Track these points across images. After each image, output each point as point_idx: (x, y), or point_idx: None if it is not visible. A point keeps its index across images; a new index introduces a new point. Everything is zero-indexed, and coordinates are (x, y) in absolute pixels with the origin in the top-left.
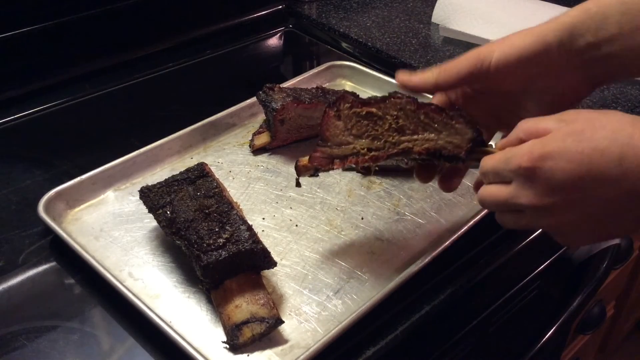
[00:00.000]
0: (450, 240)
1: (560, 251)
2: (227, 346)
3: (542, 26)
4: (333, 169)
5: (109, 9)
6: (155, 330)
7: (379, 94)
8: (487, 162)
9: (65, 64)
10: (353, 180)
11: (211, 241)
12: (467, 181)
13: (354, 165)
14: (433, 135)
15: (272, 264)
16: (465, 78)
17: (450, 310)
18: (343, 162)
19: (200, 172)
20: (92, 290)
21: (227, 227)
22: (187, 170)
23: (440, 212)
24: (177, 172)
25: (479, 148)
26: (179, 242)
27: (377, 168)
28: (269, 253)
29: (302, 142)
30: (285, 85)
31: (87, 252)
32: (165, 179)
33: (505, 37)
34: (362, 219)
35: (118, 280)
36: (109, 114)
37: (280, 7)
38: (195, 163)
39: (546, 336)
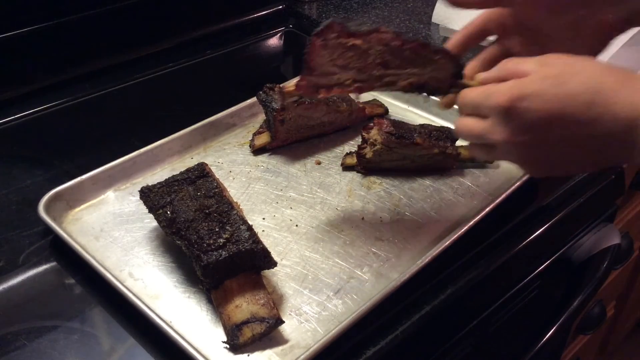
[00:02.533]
0: (450, 240)
1: (561, 251)
2: (227, 346)
3: None
4: (318, 97)
5: (109, 9)
6: (156, 331)
7: (379, 94)
8: (468, 94)
9: (65, 64)
10: (353, 180)
11: (211, 241)
12: (467, 181)
13: (338, 95)
14: (417, 70)
15: (272, 264)
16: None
17: (450, 310)
18: (328, 91)
19: (201, 172)
20: (92, 290)
21: (227, 227)
22: (188, 170)
23: (440, 212)
24: (178, 172)
25: (461, 81)
26: (179, 242)
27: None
28: (269, 253)
29: (302, 142)
30: (285, 85)
31: (87, 252)
32: (166, 179)
33: None
34: (362, 219)
35: (118, 280)
36: (109, 114)
37: (280, 7)
38: (196, 163)
39: (546, 336)
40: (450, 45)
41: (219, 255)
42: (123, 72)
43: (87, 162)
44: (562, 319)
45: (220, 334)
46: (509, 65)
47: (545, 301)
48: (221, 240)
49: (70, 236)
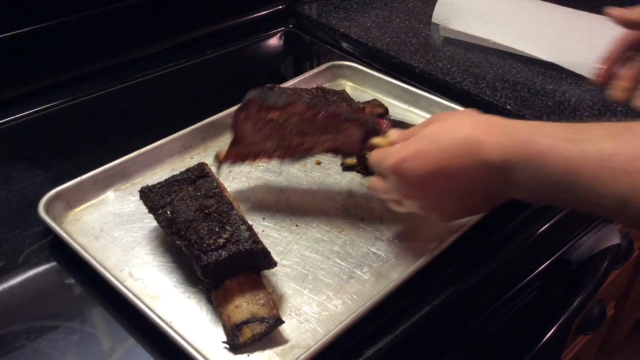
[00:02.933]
0: (450, 240)
1: (560, 251)
2: (227, 346)
3: None
4: (246, 163)
5: (109, 9)
6: (156, 331)
7: (379, 94)
8: (372, 156)
9: (65, 64)
10: (353, 180)
11: (211, 241)
12: None
13: (267, 159)
14: (331, 136)
15: (272, 264)
16: None
17: (451, 310)
18: (255, 158)
19: (201, 172)
20: (92, 290)
21: (227, 227)
22: (188, 170)
23: None
24: (178, 172)
25: (370, 142)
26: (179, 242)
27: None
28: (269, 253)
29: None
30: (285, 85)
31: (87, 252)
32: (166, 179)
33: None
34: (362, 219)
35: (118, 280)
36: (109, 113)
37: (281, 7)
38: (196, 163)
39: (546, 336)
40: (607, 53)
41: (218, 255)
42: (123, 72)
43: (87, 162)
44: (562, 319)
45: (220, 334)
46: (411, 128)
47: (545, 301)
48: (221, 240)
49: (70, 236)
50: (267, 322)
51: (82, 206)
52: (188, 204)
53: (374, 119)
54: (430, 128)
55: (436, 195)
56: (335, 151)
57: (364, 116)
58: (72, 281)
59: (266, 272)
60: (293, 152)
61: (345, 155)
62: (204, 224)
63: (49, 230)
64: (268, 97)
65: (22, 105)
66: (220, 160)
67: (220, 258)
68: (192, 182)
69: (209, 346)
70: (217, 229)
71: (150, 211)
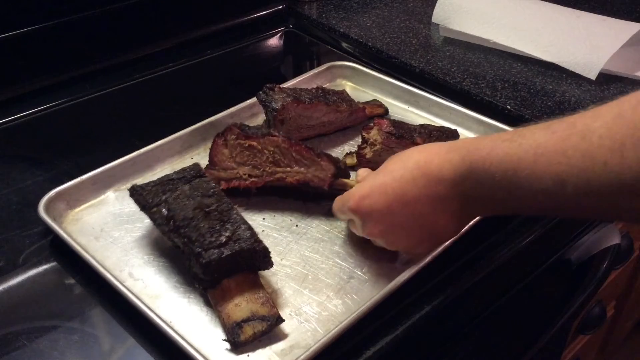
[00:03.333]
0: (450, 240)
1: (561, 251)
2: (228, 343)
3: None
4: (220, 188)
5: (109, 9)
6: (156, 331)
7: (379, 94)
8: (334, 205)
9: (65, 64)
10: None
11: (213, 239)
12: None
13: (239, 187)
14: (303, 169)
15: (269, 264)
16: None
17: (451, 310)
18: (228, 184)
19: (197, 172)
20: (92, 291)
21: (227, 226)
22: (183, 170)
23: None
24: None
25: (341, 180)
26: (176, 239)
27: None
28: (269, 253)
29: (302, 142)
30: (285, 85)
31: (87, 252)
32: (159, 178)
33: None
34: None
35: (118, 280)
36: (109, 114)
37: (281, 7)
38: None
39: (546, 336)
40: None
41: (220, 252)
42: (123, 72)
43: (87, 162)
44: (562, 319)
45: (220, 334)
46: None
47: (545, 301)
48: (223, 238)
49: (70, 236)
50: (268, 321)
51: (82, 206)
52: (185, 202)
53: (344, 162)
54: (383, 165)
55: (400, 226)
56: (305, 184)
57: (334, 157)
58: (72, 281)
59: (266, 272)
60: (265, 181)
61: (314, 189)
62: (204, 222)
63: (49, 230)
64: (248, 127)
65: (22, 105)
66: None
67: (222, 255)
68: (188, 181)
69: (209, 346)
70: (217, 227)
71: (143, 209)
